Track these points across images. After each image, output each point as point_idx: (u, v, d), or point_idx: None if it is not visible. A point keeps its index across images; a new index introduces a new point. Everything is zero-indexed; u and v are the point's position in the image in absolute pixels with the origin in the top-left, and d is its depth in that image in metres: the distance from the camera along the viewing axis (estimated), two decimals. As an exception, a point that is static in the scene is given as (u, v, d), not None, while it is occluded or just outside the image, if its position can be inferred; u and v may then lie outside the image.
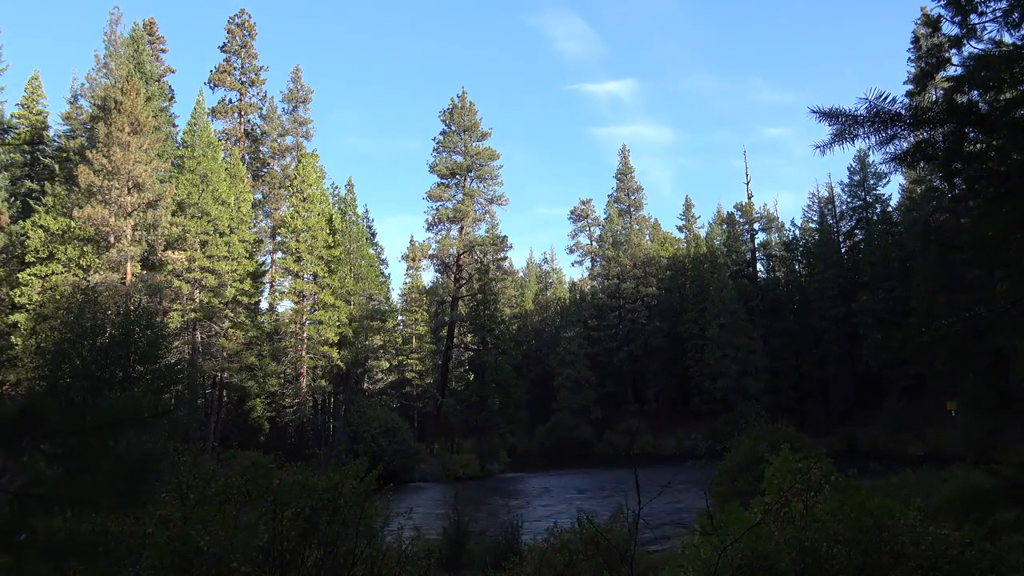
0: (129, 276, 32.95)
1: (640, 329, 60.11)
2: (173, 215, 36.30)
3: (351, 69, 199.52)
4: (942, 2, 6.25)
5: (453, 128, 52.31)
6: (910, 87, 37.14)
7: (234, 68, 53.13)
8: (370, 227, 61.29)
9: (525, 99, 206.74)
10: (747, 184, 58.50)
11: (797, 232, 59.32)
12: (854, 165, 52.34)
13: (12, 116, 43.01)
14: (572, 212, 72.26)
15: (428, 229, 52.33)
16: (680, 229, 71.51)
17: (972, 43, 6.16)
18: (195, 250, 36.46)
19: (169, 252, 35.16)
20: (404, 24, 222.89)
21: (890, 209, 51.65)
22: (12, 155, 41.23)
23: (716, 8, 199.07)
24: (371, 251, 53.30)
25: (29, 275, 32.40)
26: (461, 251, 50.95)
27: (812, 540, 5.78)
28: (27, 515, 2.03)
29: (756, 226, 59.41)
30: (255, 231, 46.05)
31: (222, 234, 37.91)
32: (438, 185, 52.16)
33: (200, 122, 41.02)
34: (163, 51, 51.41)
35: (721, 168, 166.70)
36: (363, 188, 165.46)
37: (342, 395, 43.44)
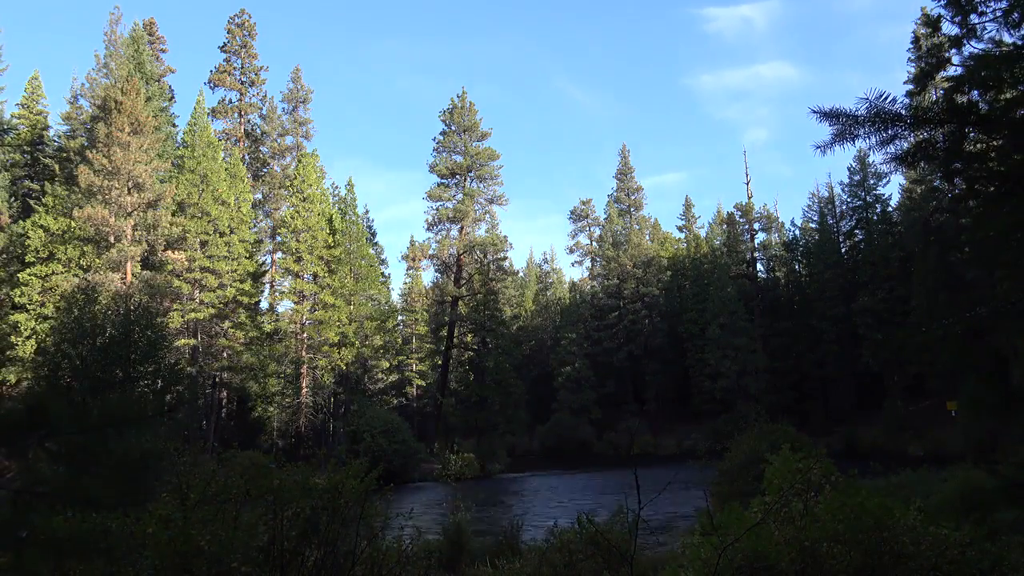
0: (129, 276, 32.96)
1: (640, 329, 60.08)
2: (173, 215, 36.32)
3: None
4: (942, 2, 6.25)
5: (453, 128, 52.31)
6: (910, 87, 37.15)
7: (234, 68, 53.15)
8: (370, 227, 61.36)
9: (621, 30, 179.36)
10: (747, 184, 58.56)
11: (797, 232, 59.33)
12: (854, 165, 52.35)
13: (12, 116, 43.06)
14: (572, 212, 72.28)
15: (428, 229, 52.37)
16: (680, 229, 71.53)
17: (972, 43, 6.17)
18: (195, 250, 36.47)
19: (169, 252, 35.18)
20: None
21: (890, 209, 51.62)
22: (12, 155, 41.24)
23: None
24: (371, 251, 53.31)
25: (29, 275, 32.42)
26: (461, 251, 50.95)
27: (812, 540, 5.78)
28: (29, 513, 2.03)
29: (756, 226, 59.44)
30: (255, 231, 46.09)
31: (222, 234, 37.91)
32: (438, 185, 52.16)
33: (200, 122, 41.06)
34: (163, 51, 51.51)
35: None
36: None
37: (342, 395, 43.46)
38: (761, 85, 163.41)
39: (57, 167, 38.46)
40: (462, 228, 51.24)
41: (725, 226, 63.95)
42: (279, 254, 47.29)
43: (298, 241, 42.47)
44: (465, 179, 52.13)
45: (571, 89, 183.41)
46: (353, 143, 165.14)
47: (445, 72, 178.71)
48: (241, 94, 53.53)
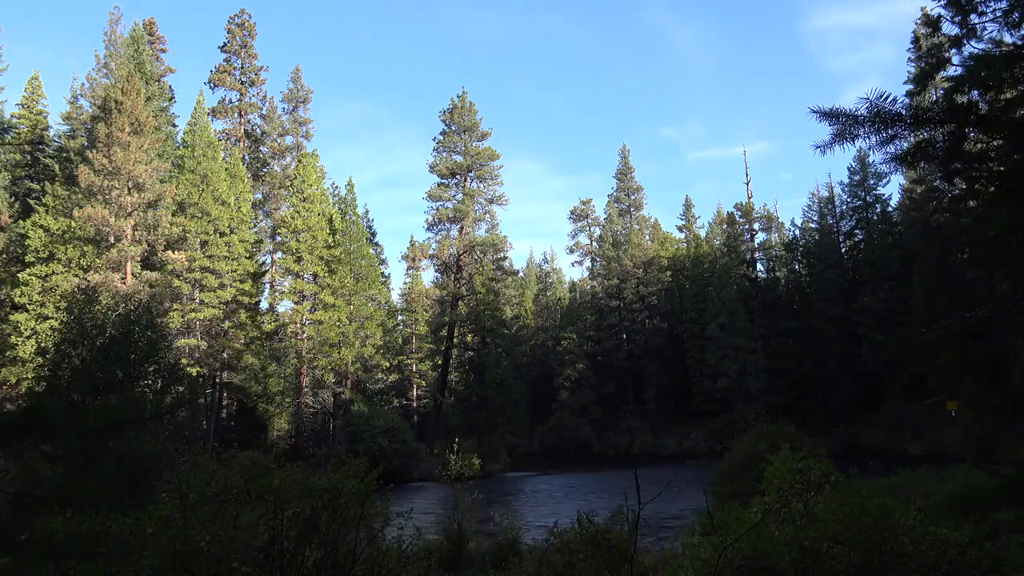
0: (129, 276, 32.95)
1: (640, 329, 60.09)
2: (173, 215, 36.31)
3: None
4: (942, 2, 6.25)
5: (453, 128, 52.30)
6: (910, 87, 37.13)
7: (234, 68, 53.15)
8: (370, 227, 61.36)
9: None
10: (747, 184, 58.58)
11: (797, 232, 59.34)
12: (854, 165, 52.35)
13: (12, 116, 43.03)
14: (572, 212, 72.28)
15: (428, 229, 52.33)
16: (680, 229, 71.52)
17: (972, 43, 6.17)
18: (195, 250, 36.46)
19: (169, 252, 35.16)
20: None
21: (890, 209, 51.62)
22: (12, 155, 41.22)
23: None
24: (371, 251, 53.30)
25: (29, 275, 32.40)
26: (461, 251, 50.95)
27: (812, 540, 5.78)
28: (28, 516, 2.03)
29: (756, 226, 59.43)
30: (255, 231, 46.07)
31: (222, 234, 37.91)
32: (438, 185, 52.15)
33: (200, 122, 41.04)
34: (163, 51, 51.48)
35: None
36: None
37: (342, 395, 43.45)
38: (887, 21, 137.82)
39: (57, 167, 38.43)
40: (462, 228, 51.22)
41: (725, 226, 63.93)
42: (279, 254, 47.28)
43: (298, 241, 42.46)
44: (465, 179, 52.12)
45: (668, 24, 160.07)
46: (401, 97, 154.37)
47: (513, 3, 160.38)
48: (241, 94, 53.53)
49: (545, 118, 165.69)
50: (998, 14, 5.49)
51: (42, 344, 28.66)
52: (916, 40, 39.53)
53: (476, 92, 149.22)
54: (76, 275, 32.11)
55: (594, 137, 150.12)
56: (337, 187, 53.36)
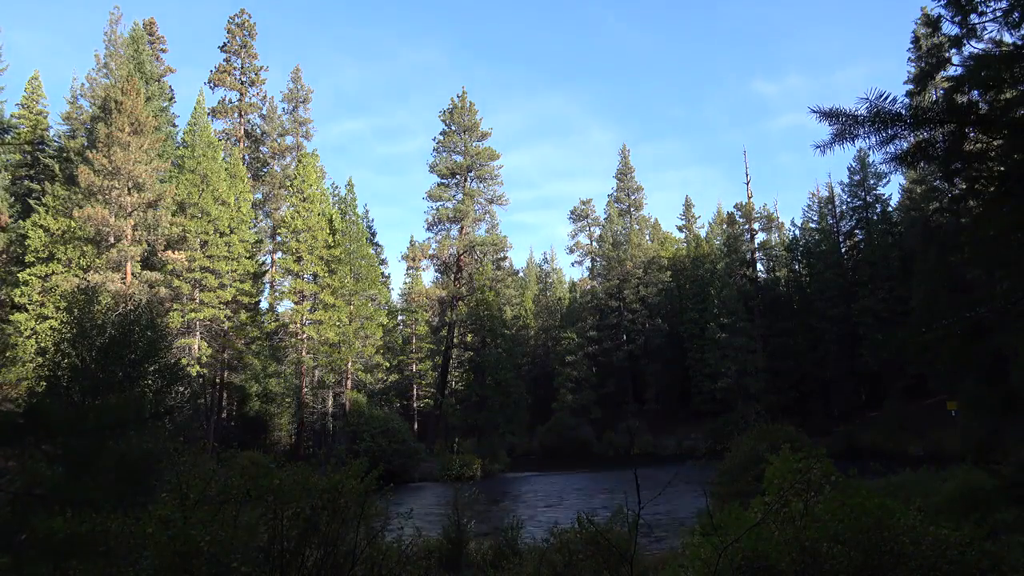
0: (129, 276, 32.95)
1: (640, 329, 60.09)
2: (173, 215, 36.30)
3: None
4: (942, 2, 6.25)
5: (453, 128, 52.32)
6: (910, 87, 37.13)
7: (234, 68, 53.16)
8: (370, 227, 61.38)
9: None
10: (747, 184, 58.55)
11: (797, 232, 59.33)
12: (854, 165, 52.33)
13: (12, 116, 43.03)
14: (572, 212, 72.30)
15: (428, 229, 52.44)
16: (680, 229, 71.52)
17: (972, 43, 6.17)
18: (195, 250, 36.45)
19: (169, 252, 35.15)
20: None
21: (890, 209, 51.61)
22: (12, 155, 41.22)
23: None
24: (371, 251, 53.30)
25: (29, 275, 32.40)
26: (461, 251, 50.97)
27: (812, 540, 5.78)
28: (28, 515, 2.03)
29: (756, 226, 59.40)
30: (255, 231, 46.07)
31: (222, 234, 37.90)
32: (438, 185, 52.18)
33: (200, 122, 41.03)
34: (163, 51, 51.46)
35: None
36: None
37: (342, 395, 43.46)
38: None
39: (57, 167, 38.43)
40: (462, 228, 51.25)
41: (725, 226, 63.89)
42: (279, 254, 47.28)
43: (298, 241, 42.46)
44: (465, 179, 52.14)
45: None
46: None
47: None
48: (241, 94, 53.53)
49: (626, 69, 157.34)
50: (998, 14, 5.49)
51: (42, 344, 28.64)
52: (916, 40, 39.52)
53: (561, 32, 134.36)
54: (76, 275, 32.09)
55: (675, 94, 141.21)
56: (337, 187, 53.45)
